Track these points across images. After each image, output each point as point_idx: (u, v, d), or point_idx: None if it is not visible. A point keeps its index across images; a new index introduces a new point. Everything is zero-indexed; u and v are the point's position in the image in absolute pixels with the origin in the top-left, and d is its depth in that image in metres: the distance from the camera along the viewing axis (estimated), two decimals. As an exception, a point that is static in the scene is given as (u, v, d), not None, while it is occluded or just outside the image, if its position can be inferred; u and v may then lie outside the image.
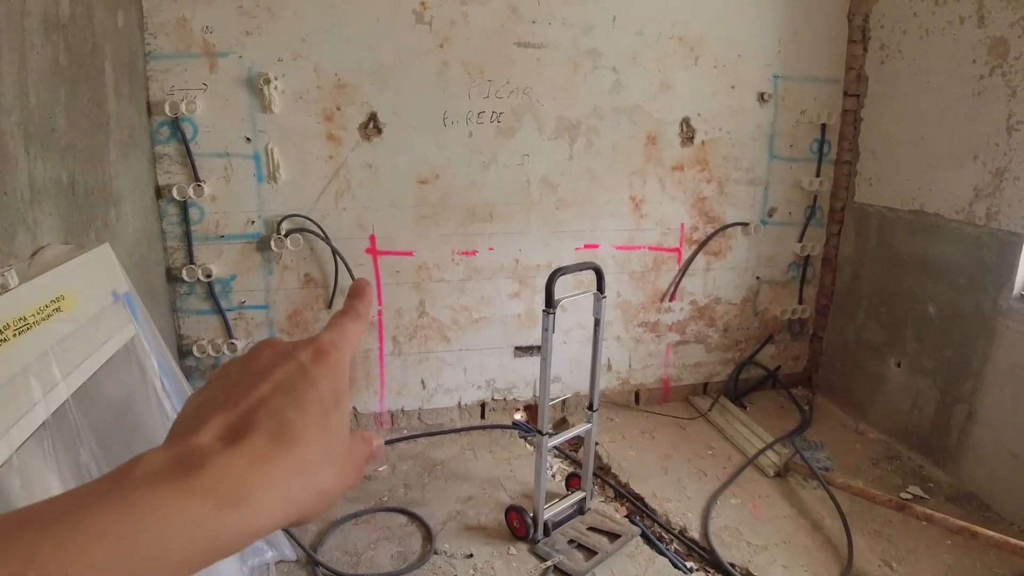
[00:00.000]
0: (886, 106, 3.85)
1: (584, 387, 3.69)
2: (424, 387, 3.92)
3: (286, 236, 3.46)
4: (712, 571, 2.85)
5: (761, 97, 3.98)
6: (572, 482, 3.29)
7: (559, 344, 3.89)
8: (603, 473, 3.54)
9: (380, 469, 3.51)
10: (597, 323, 3.00)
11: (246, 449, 0.38)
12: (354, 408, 3.85)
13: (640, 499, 3.32)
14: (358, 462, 0.46)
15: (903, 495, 3.30)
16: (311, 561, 2.79)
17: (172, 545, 0.34)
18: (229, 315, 3.55)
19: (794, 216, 4.24)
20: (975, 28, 3.25)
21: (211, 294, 3.50)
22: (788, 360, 4.53)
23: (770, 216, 4.19)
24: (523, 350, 4.02)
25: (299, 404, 0.42)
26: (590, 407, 3.09)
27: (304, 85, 3.37)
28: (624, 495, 3.36)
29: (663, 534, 3.09)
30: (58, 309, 1.97)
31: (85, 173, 2.44)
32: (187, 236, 3.40)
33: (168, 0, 3.13)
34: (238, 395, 0.42)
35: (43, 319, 1.88)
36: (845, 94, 4.10)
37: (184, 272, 3.39)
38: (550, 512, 2.96)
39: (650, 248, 4.06)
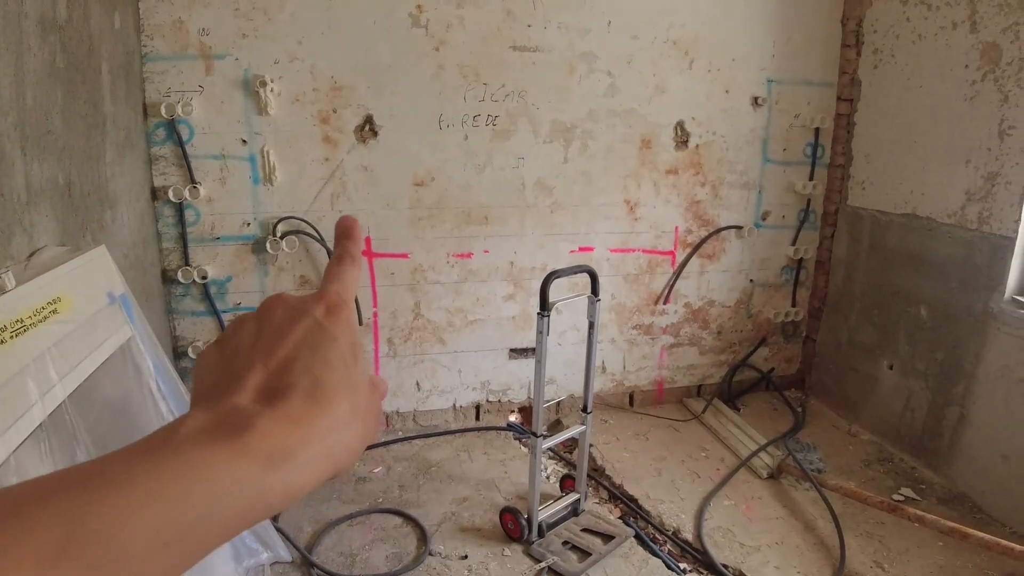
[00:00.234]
0: (879, 110, 3.88)
1: (578, 389, 3.70)
2: (419, 389, 3.93)
3: (282, 238, 3.47)
4: (705, 572, 2.87)
5: (755, 101, 4.00)
6: (566, 484, 3.31)
7: (553, 346, 3.90)
8: (597, 475, 3.56)
9: (375, 470, 3.52)
10: (591, 325, 3.02)
11: (286, 409, 0.39)
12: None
13: (634, 500, 3.33)
14: (377, 413, 0.46)
15: (895, 497, 3.32)
16: (306, 562, 2.80)
17: (222, 505, 0.35)
18: (224, 316, 3.55)
19: (787, 219, 4.26)
20: (968, 33, 3.27)
21: (206, 296, 3.50)
22: (781, 362, 4.56)
23: (764, 219, 4.22)
24: (518, 352, 4.03)
25: (324, 361, 0.42)
26: (584, 409, 3.10)
27: (300, 87, 3.38)
28: (618, 496, 3.38)
29: (657, 535, 3.10)
30: (55, 311, 1.98)
31: (81, 175, 2.44)
32: (183, 238, 3.40)
33: (165, 2, 3.14)
34: (263, 353, 0.42)
35: (40, 321, 1.89)
36: (838, 98, 4.12)
37: (180, 274, 3.40)
38: (544, 513, 2.97)
39: (644, 251, 4.07)
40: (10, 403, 1.66)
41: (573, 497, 3.12)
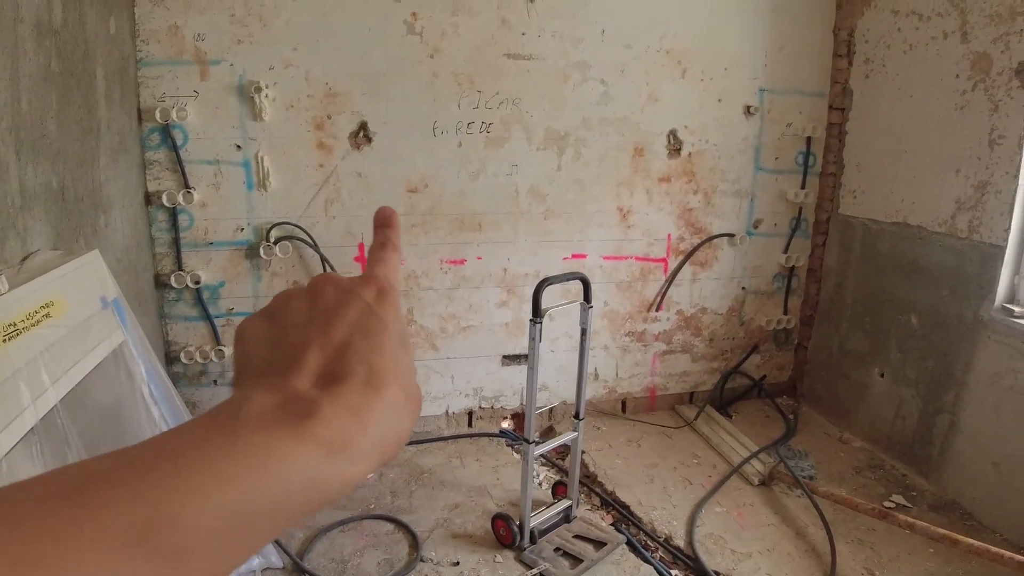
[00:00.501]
0: (870, 119, 3.91)
1: (571, 396, 3.70)
2: (412, 395, 3.92)
3: (275, 243, 3.47)
4: (697, 579, 2.87)
5: (747, 110, 4.03)
6: (558, 490, 3.31)
7: (546, 353, 3.91)
8: (589, 481, 3.56)
9: (368, 476, 3.51)
10: (584, 332, 3.03)
11: (345, 397, 0.39)
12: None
13: (626, 507, 3.34)
14: (419, 400, 0.46)
15: (886, 504, 3.33)
16: (297, 568, 2.79)
17: (289, 492, 0.35)
18: (217, 322, 3.55)
19: (779, 227, 4.28)
20: (958, 43, 3.30)
21: (199, 301, 3.50)
22: (773, 370, 4.57)
23: (756, 227, 4.24)
24: (510, 359, 4.04)
25: (378, 347, 0.42)
26: (576, 416, 3.11)
27: (295, 93, 3.39)
28: (610, 503, 3.38)
29: (648, 542, 3.10)
30: (47, 315, 1.98)
31: (75, 179, 2.44)
32: (176, 242, 3.40)
33: (160, 7, 3.15)
34: (319, 335, 0.42)
35: (32, 325, 1.89)
36: (830, 107, 4.15)
37: (173, 278, 3.40)
38: (536, 520, 2.98)
39: (637, 258, 4.09)
40: (2, 407, 1.66)
41: (565, 504, 3.12)
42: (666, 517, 3.24)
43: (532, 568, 2.83)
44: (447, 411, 4.01)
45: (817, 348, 4.42)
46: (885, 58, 3.76)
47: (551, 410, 4.13)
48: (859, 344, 4.04)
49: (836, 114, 4.13)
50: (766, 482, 3.52)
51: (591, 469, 3.66)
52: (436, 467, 3.64)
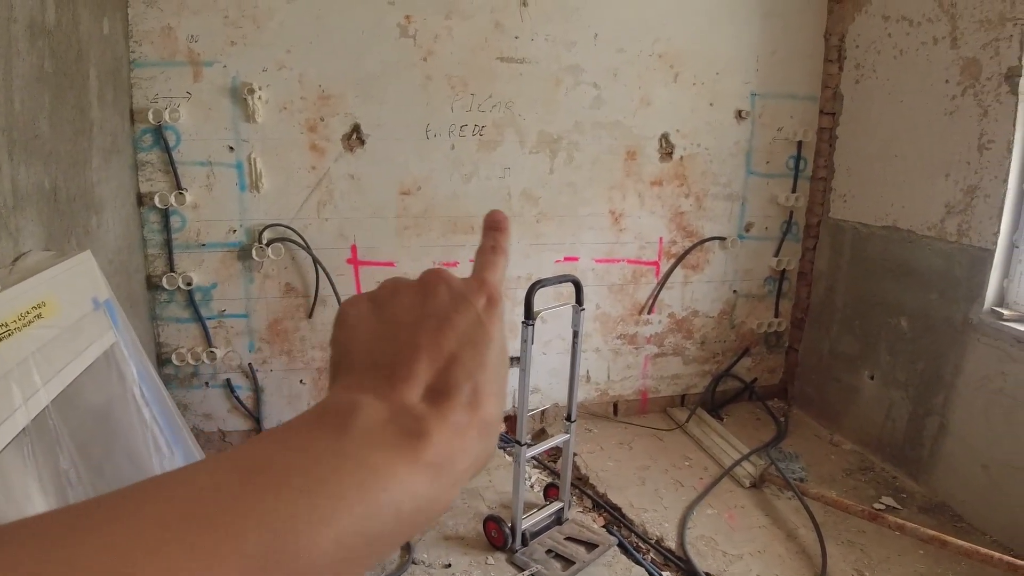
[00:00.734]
0: (861, 124, 3.94)
1: (563, 398, 3.72)
2: (404, 397, 3.92)
3: (268, 245, 3.47)
4: (688, 580, 2.88)
5: (739, 114, 4.05)
6: (550, 492, 3.31)
7: (538, 355, 3.91)
8: (581, 483, 3.57)
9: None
10: (576, 335, 3.04)
11: (450, 415, 0.38)
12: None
13: (617, 509, 3.35)
14: (501, 419, 0.44)
15: (876, 505, 3.35)
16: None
17: (398, 516, 0.33)
18: (209, 323, 3.54)
19: (770, 231, 4.31)
20: (948, 49, 3.33)
21: (191, 302, 3.50)
22: (764, 372, 4.59)
23: (747, 231, 4.26)
24: (503, 361, 4.03)
25: (482, 363, 0.41)
26: (568, 418, 3.12)
27: (288, 95, 3.39)
28: (602, 505, 3.39)
29: (640, 544, 3.11)
30: (39, 316, 1.97)
31: (67, 180, 2.44)
32: (168, 244, 3.40)
33: (154, 8, 3.15)
34: (430, 342, 0.40)
35: (24, 325, 1.88)
36: (821, 112, 4.18)
37: (164, 280, 3.39)
38: (528, 522, 2.98)
39: (629, 261, 4.10)
40: (-6, 407, 1.66)
41: (557, 506, 3.13)
42: (657, 519, 3.25)
43: (524, 570, 2.83)
44: (439, 413, 4.00)
45: (808, 351, 4.44)
46: (876, 63, 3.79)
47: (543, 412, 4.14)
48: (849, 347, 4.06)
49: (827, 118, 4.16)
50: (757, 484, 3.53)
51: (583, 471, 3.66)
52: (428, 469, 3.63)
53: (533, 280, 2.86)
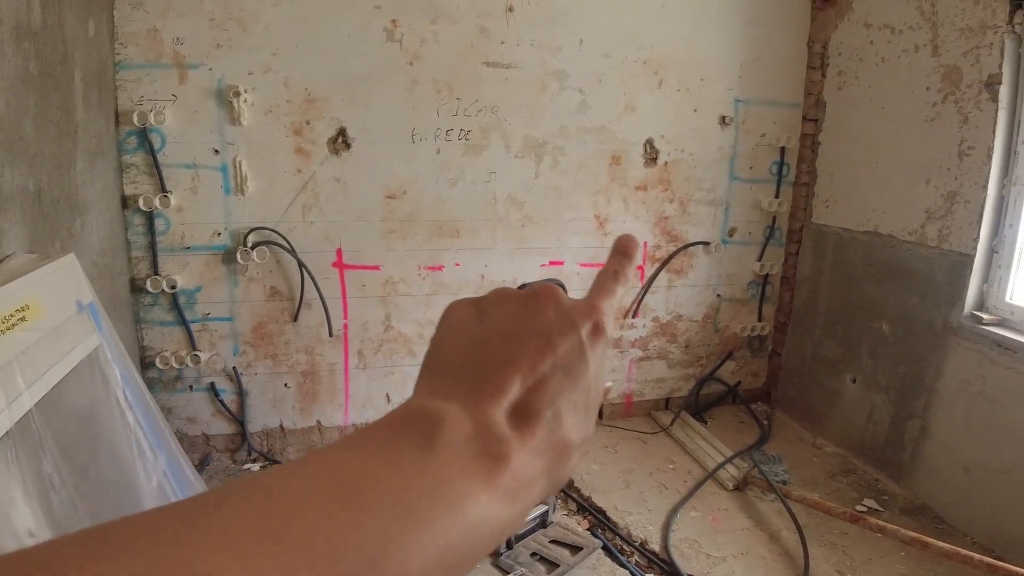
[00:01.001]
0: (843, 130, 3.98)
1: (548, 401, 3.71)
2: (389, 401, 3.93)
3: (252, 248, 3.46)
4: (673, 583, 2.90)
5: (723, 120, 4.08)
6: (536, 495, 3.31)
7: (524, 359, 3.91)
8: (566, 487, 3.57)
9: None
10: (562, 337, 3.04)
11: (530, 440, 0.37)
12: (318, 421, 3.84)
13: (602, 512, 3.36)
14: (582, 447, 0.43)
15: (858, 508, 3.38)
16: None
17: (474, 539, 0.33)
18: (193, 327, 3.53)
19: (754, 236, 4.34)
20: (929, 56, 3.38)
21: (175, 305, 3.48)
22: (748, 376, 4.62)
23: (730, 236, 4.29)
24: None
25: (573, 390, 0.40)
26: (554, 421, 3.12)
27: (274, 99, 3.39)
28: (586, 508, 3.40)
29: (624, 547, 3.12)
30: (23, 319, 1.96)
31: (52, 182, 2.43)
32: (152, 247, 3.38)
33: (139, 11, 3.14)
34: (528, 362, 0.39)
35: (8, 328, 1.87)
36: (804, 118, 4.22)
37: (148, 283, 3.37)
38: (514, 525, 2.98)
39: (614, 265, 4.11)
40: (-23, 409, 1.65)
41: (541, 509, 3.13)
42: (642, 522, 3.27)
43: (509, 573, 2.83)
44: (424, 417, 4.00)
45: (791, 355, 4.47)
46: (858, 70, 3.84)
47: (528, 416, 4.14)
48: (832, 351, 4.10)
49: (810, 125, 4.20)
50: (740, 487, 3.55)
51: (568, 475, 3.66)
52: (413, 473, 3.63)
53: (518, 284, 2.86)
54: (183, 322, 3.51)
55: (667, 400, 4.50)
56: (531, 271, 3.93)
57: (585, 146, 3.89)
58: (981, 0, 3.09)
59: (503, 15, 3.60)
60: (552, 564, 2.90)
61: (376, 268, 3.72)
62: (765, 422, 4.30)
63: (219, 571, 0.25)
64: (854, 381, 3.91)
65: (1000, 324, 3.14)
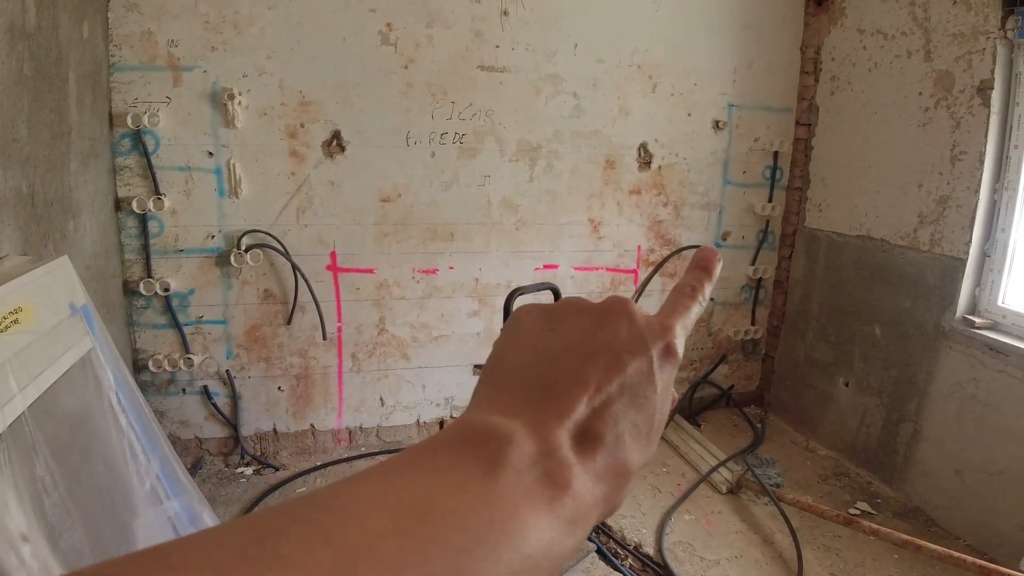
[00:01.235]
0: (836, 135, 4.00)
1: (542, 405, 3.71)
2: (383, 404, 3.92)
3: (246, 251, 3.45)
4: (667, 586, 2.90)
5: (716, 124, 4.10)
6: (530, 499, 3.31)
7: (518, 362, 3.92)
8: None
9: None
10: (556, 341, 3.04)
11: (591, 466, 0.36)
12: (311, 425, 3.83)
13: (597, 516, 3.35)
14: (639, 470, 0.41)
15: (851, 511, 3.39)
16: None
17: (532, 566, 0.32)
18: (186, 330, 3.52)
19: (747, 240, 4.36)
20: (922, 62, 3.40)
21: (168, 308, 3.47)
22: (741, 379, 4.63)
23: (724, 239, 4.30)
24: (482, 368, 4.04)
25: (637, 413, 0.39)
26: (549, 424, 3.12)
27: (268, 101, 3.39)
28: (581, 512, 3.39)
29: (618, 550, 3.12)
30: (16, 321, 1.95)
31: (45, 184, 2.42)
32: (146, 249, 3.37)
33: (134, 12, 3.13)
34: (596, 383, 0.38)
35: (1, 331, 1.86)
36: (797, 123, 4.24)
37: (141, 285, 3.36)
38: (508, 528, 2.97)
39: (608, 269, 4.13)
40: (-29, 412, 1.64)
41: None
42: (636, 525, 3.27)
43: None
44: (418, 420, 4.00)
45: (784, 358, 4.49)
46: (851, 75, 3.86)
47: (522, 420, 4.13)
48: (824, 354, 4.11)
49: (803, 129, 4.22)
50: (734, 490, 3.56)
51: (562, 478, 3.66)
52: (407, 476, 3.62)
53: (512, 288, 2.87)
54: (176, 325, 3.49)
55: (660, 404, 4.50)
56: (525, 275, 3.93)
57: (579, 150, 3.90)
58: (974, 6, 3.11)
59: (498, 19, 3.61)
60: (546, 567, 2.90)
61: (370, 271, 3.72)
62: (758, 425, 4.31)
63: None
64: (847, 384, 3.93)
65: (992, 328, 3.16)
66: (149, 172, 3.28)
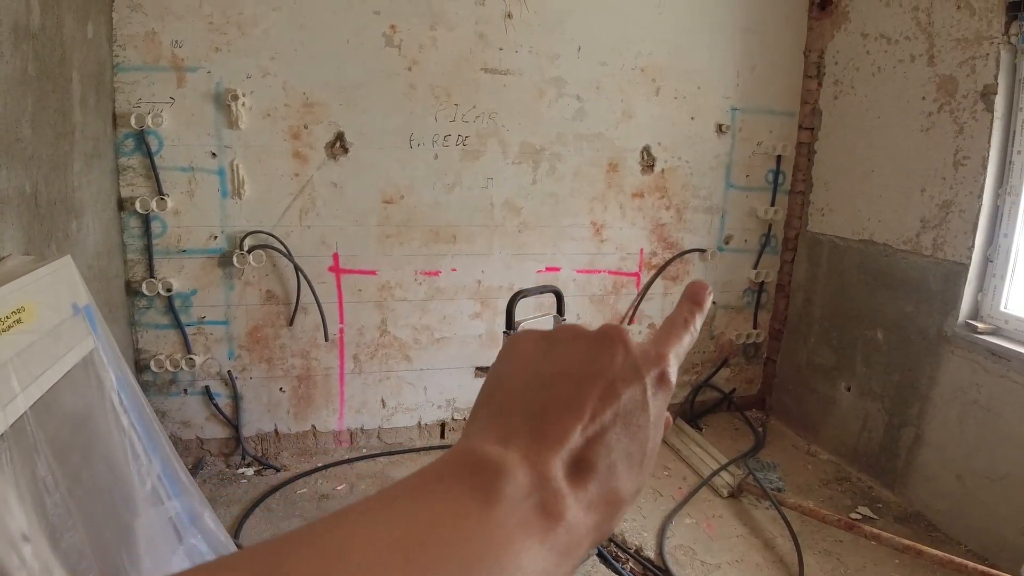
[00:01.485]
0: (838, 139, 4.00)
1: (544, 407, 3.71)
2: (384, 406, 3.92)
3: (249, 252, 3.46)
4: (668, 589, 2.89)
5: (719, 128, 4.10)
6: (531, 501, 3.30)
7: (520, 365, 3.91)
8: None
9: (338, 488, 3.49)
10: (558, 343, 3.04)
11: (584, 496, 0.36)
12: (312, 426, 3.84)
13: (598, 519, 3.34)
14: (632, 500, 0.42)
15: (852, 515, 3.38)
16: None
17: None
18: (188, 330, 3.52)
19: (749, 243, 4.35)
20: (925, 66, 3.40)
21: (171, 308, 3.47)
22: (743, 383, 4.63)
23: (726, 243, 4.30)
24: (484, 370, 4.04)
25: (629, 444, 0.39)
26: (550, 426, 3.12)
27: (272, 102, 3.39)
28: (582, 515, 3.39)
29: (619, 554, 3.12)
30: (18, 321, 1.95)
31: (48, 183, 2.42)
32: (148, 249, 3.38)
33: (138, 13, 3.14)
34: (585, 409, 0.38)
35: (3, 331, 1.86)
36: (800, 127, 4.24)
37: (144, 286, 3.37)
38: (509, 531, 2.97)
39: (610, 272, 4.13)
40: (-27, 411, 1.64)
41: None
42: (637, 529, 3.27)
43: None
44: (419, 422, 4.00)
45: (785, 362, 4.48)
46: (854, 80, 3.85)
47: (523, 422, 4.13)
48: (826, 358, 4.10)
49: (805, 133, 4.22)
50: (735, 494, 3.55)
51: (563, 481, 3.66)
52: (408, 478, 3.62)
53: (514, 290, 2.87)
54: (178, 325, 3.50)
55: (662, 407, 4.49)
56: (527, 277, 3.93)
57: (582, 153, 3.90)
58: (977, 11, 3.11)
59: (502, 22, 3.61)
60: (547, 570, 2.89)
61: (372, 273, 3.72)
62: (760, 429, 4.30)
63: None
64: (848, 389, 3.92)
65: (994, 333, 3.16)
66: (152, 172, 3.29)
